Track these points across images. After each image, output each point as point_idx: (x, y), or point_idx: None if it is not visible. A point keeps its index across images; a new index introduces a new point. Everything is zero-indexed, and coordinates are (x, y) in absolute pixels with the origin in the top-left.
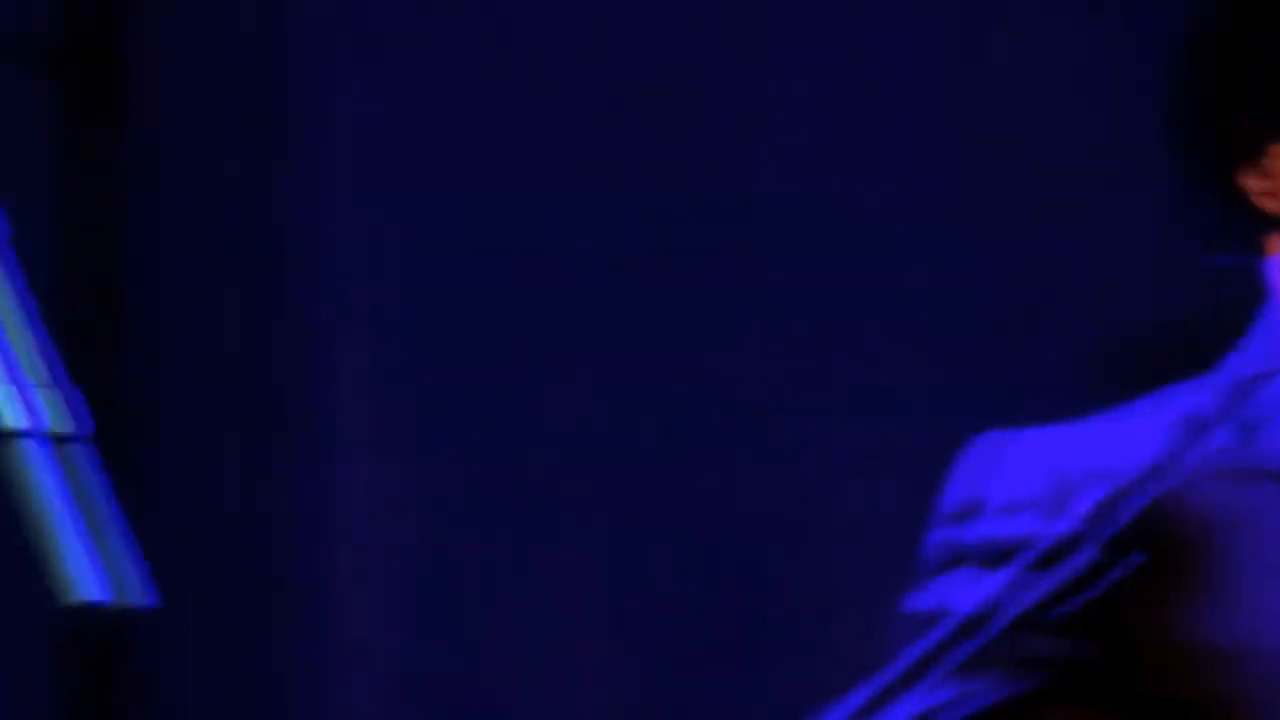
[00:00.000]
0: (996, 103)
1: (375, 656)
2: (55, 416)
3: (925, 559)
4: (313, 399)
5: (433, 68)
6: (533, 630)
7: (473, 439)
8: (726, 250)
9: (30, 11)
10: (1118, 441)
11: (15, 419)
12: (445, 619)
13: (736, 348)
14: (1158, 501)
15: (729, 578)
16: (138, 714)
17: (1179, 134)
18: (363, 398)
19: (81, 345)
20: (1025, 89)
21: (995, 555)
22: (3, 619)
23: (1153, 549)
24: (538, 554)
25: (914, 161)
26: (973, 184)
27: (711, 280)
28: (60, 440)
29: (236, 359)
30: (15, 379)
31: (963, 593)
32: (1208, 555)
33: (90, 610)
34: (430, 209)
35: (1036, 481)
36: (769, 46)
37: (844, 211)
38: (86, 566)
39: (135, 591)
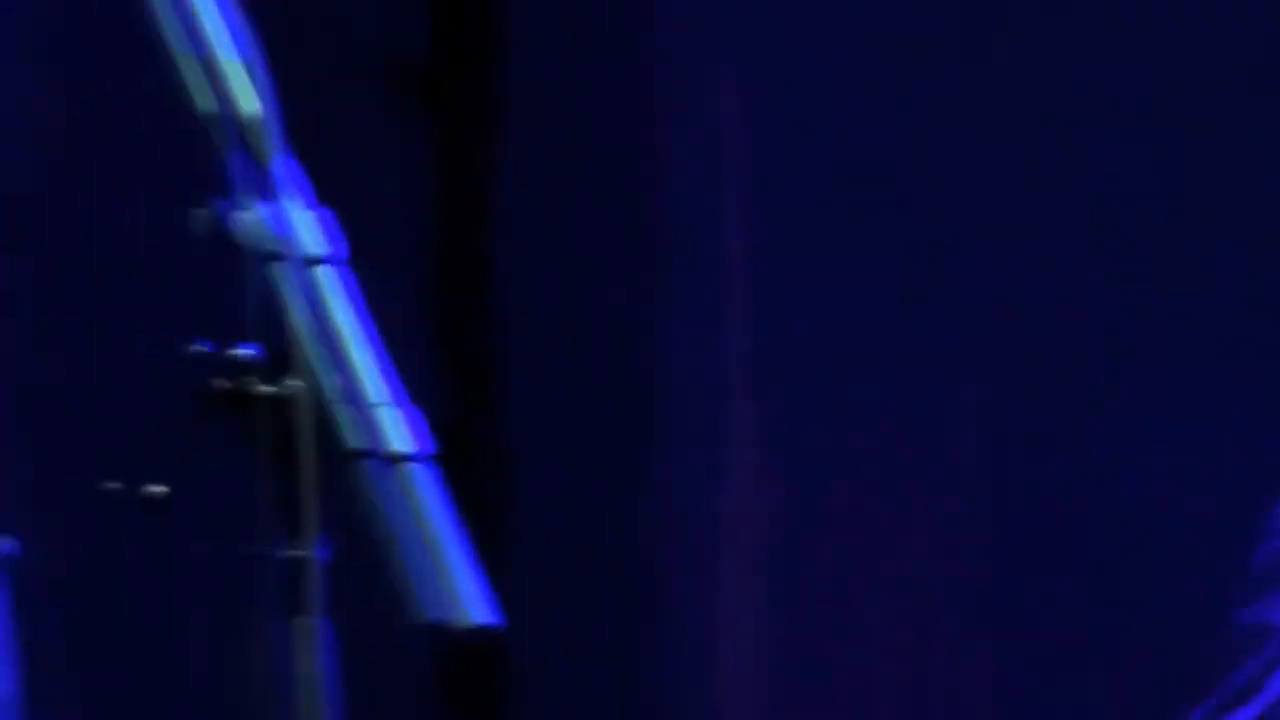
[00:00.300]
0: None
1: (749, 667)
2: (396, 436)
3: (1259, 570)
4: (690, 404)
5: (807, 71)
6: (907, 638)
7: (852, 444)
8: (1085, 254)
9: (400, 33)
10: None
11: (357, 439)
12: (818, 626)
13: (1091, 349)
14: None
15: (1078, 581)
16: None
17: None
18: (744, 400)
19: (455, 357)
20: None
21: None
22: (366, 638)
23: None
24: (913, 560)
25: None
26: None
27: (1095, 288)
28: (402, 460)
29: (609, 366)
30: (355, 399)
31: None
32: None
33: (442, 630)
34: (813, 206)
35: None
36: (1137, 43)
37: (1181, 215)
38: (438, 587)
39: (483, 611)
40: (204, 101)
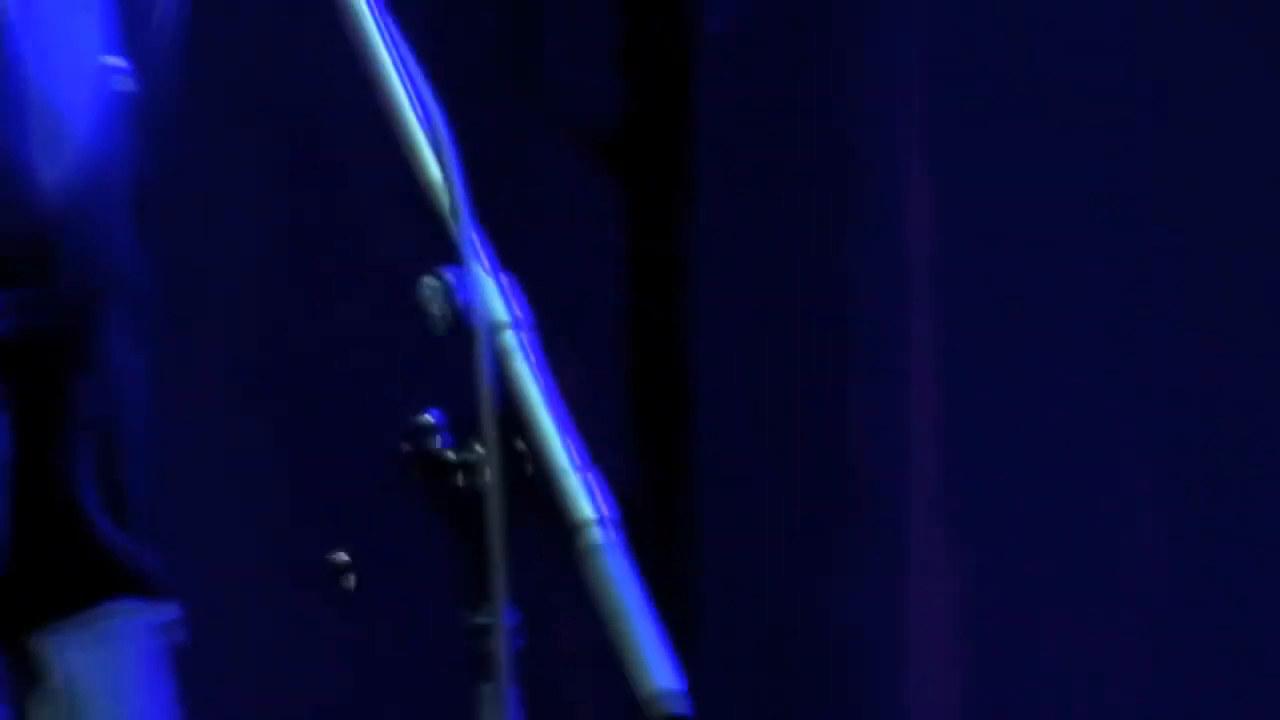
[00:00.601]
0: None
1: None
2: (583, 502)
3: None
4: (877, 479)
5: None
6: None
7: (1043, 522)
8: None
9: (591, 100)
10: None
11: (545, 505)
12: (1010, 696)
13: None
14: None
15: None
16: None
17: None
18: (930, 476)
19: (643, 424)
20: None
21: None
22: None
23: None
24: (1102, 631)
25: None
26: None
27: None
28: (588, 526)
29: (798, 436)
30: (542, 465)
31: None
32: None
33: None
34: (1000, 283)
35: None
36: None
37: None
38: (625, 658)
39: (670, 678)
40: (400, 170)
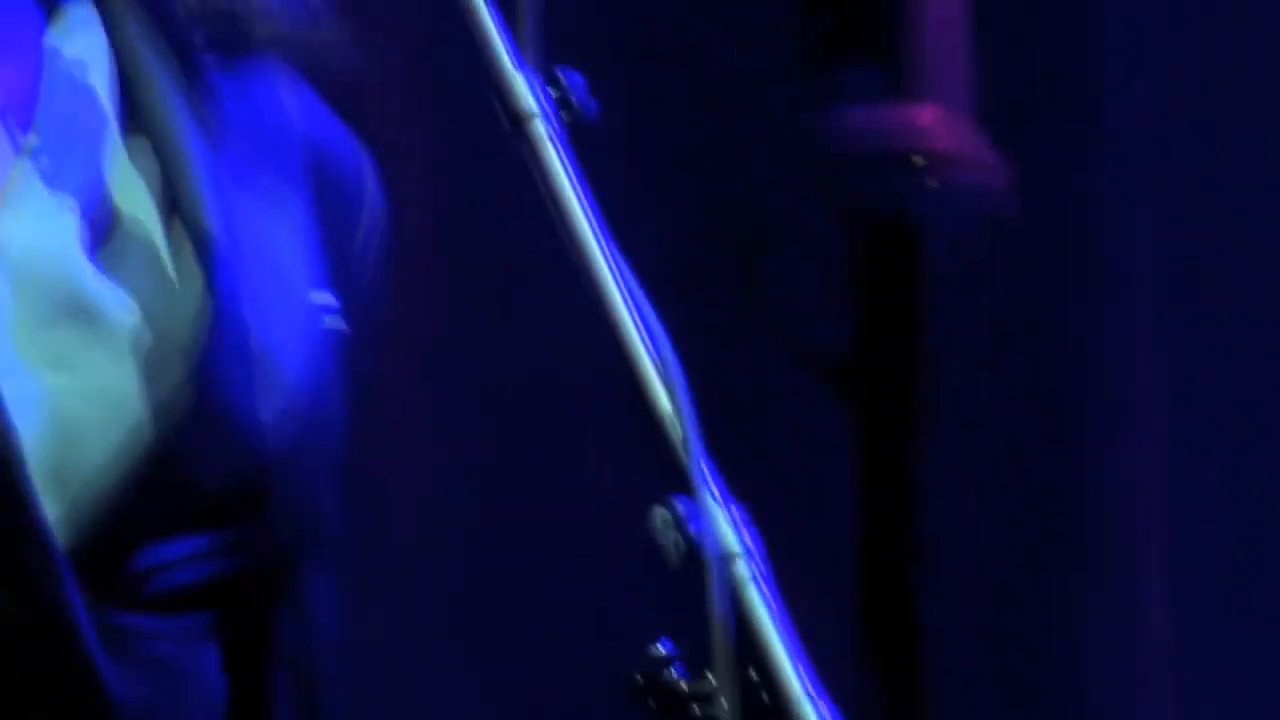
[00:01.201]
0: None
1: None
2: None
3: None
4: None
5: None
6: None
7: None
8: None
9: (821, 326)
10: None
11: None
12: None
13: None
14: None
15: None
16: None
17: None
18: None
19: (876, 655)
20: None
21: None
22: None
23: None
24: None
25: None
26: None
27: None
28: None
29: (1029, 682)
30: (774, 696)
31: None
32: None
33: None
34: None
35: None
36: None
37: None
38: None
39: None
40: (629, 398)
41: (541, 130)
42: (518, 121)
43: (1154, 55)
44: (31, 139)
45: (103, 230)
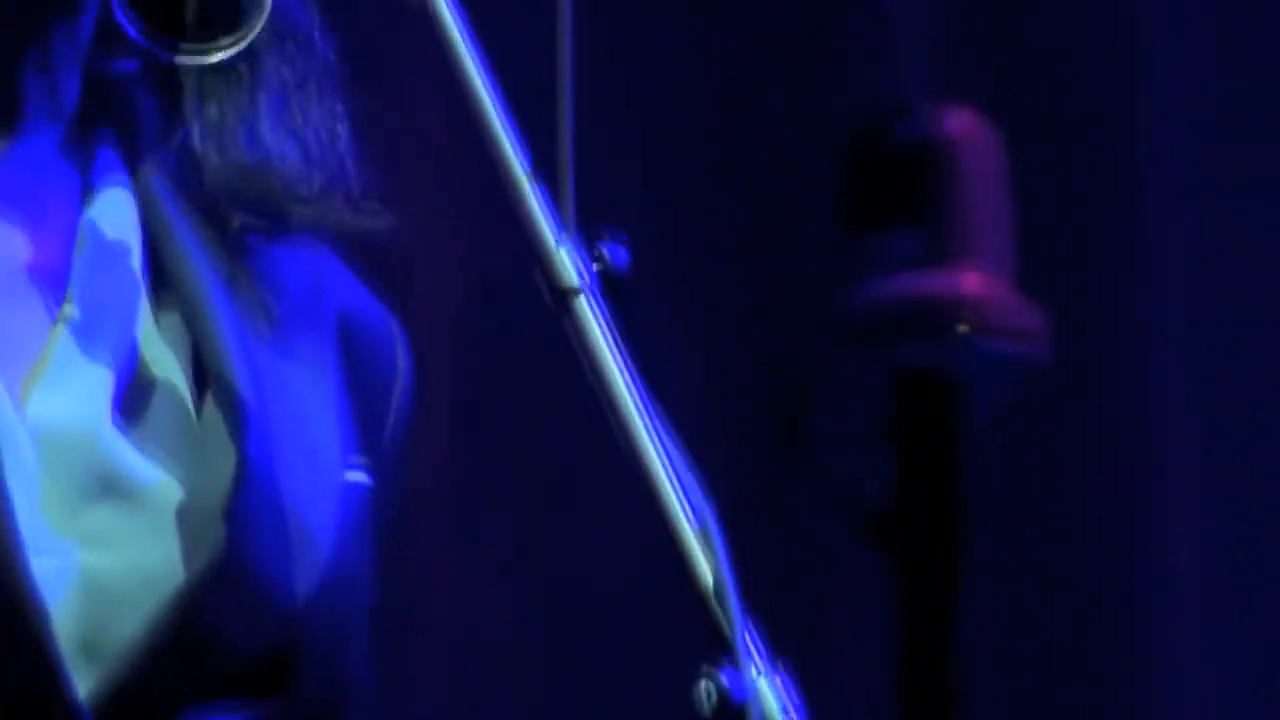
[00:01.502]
0: None
1: None
2: None
3: None
4: None
5: None
6: None
7: None
8: None
9: (863, 481)
10: None
11: None
12: None
13: None
14: None
15: None
16: None
17: None
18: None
19: None
20: None
21: None
22: None
23: None
24: None
25: None
26: None
27: None
28: None
29: None
30: None
31: None
32: None
33: None
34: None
35: None
36: None
37: None
38: None
39: None
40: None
41: (584, 305)
42: (560, 296)
43: (1190, 203)
44: (68, 309)
45: (136, 398)
